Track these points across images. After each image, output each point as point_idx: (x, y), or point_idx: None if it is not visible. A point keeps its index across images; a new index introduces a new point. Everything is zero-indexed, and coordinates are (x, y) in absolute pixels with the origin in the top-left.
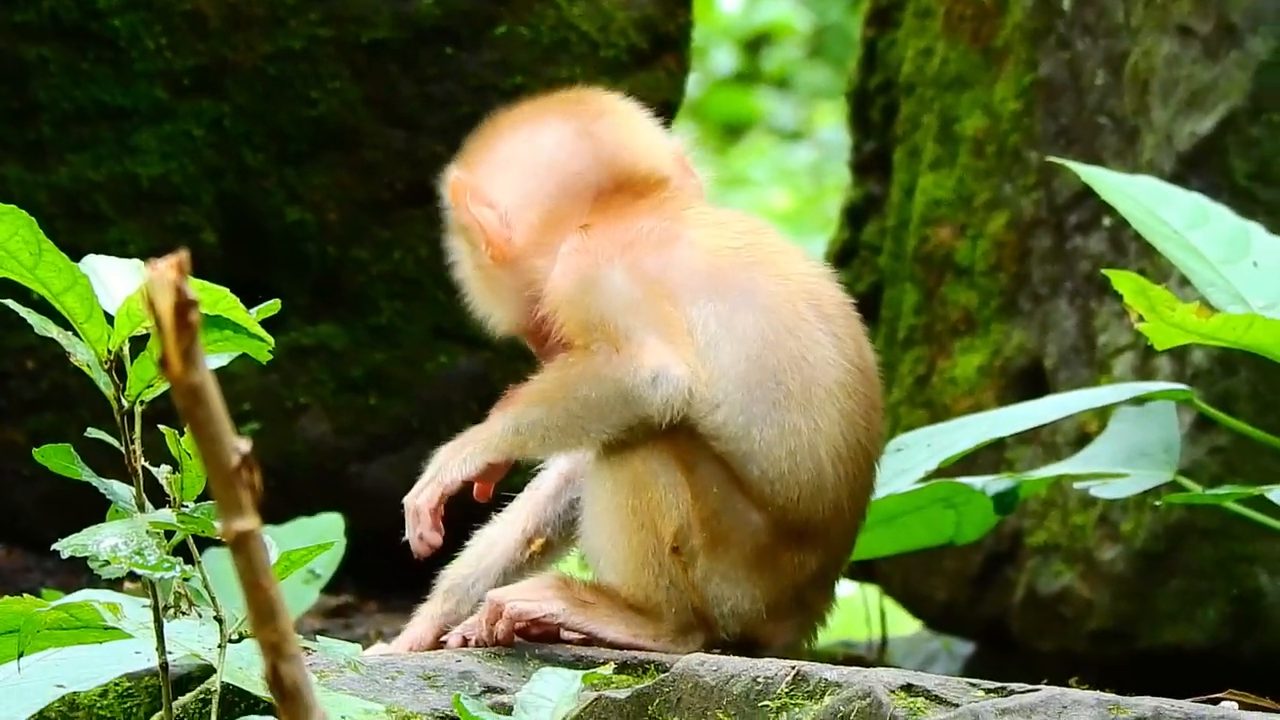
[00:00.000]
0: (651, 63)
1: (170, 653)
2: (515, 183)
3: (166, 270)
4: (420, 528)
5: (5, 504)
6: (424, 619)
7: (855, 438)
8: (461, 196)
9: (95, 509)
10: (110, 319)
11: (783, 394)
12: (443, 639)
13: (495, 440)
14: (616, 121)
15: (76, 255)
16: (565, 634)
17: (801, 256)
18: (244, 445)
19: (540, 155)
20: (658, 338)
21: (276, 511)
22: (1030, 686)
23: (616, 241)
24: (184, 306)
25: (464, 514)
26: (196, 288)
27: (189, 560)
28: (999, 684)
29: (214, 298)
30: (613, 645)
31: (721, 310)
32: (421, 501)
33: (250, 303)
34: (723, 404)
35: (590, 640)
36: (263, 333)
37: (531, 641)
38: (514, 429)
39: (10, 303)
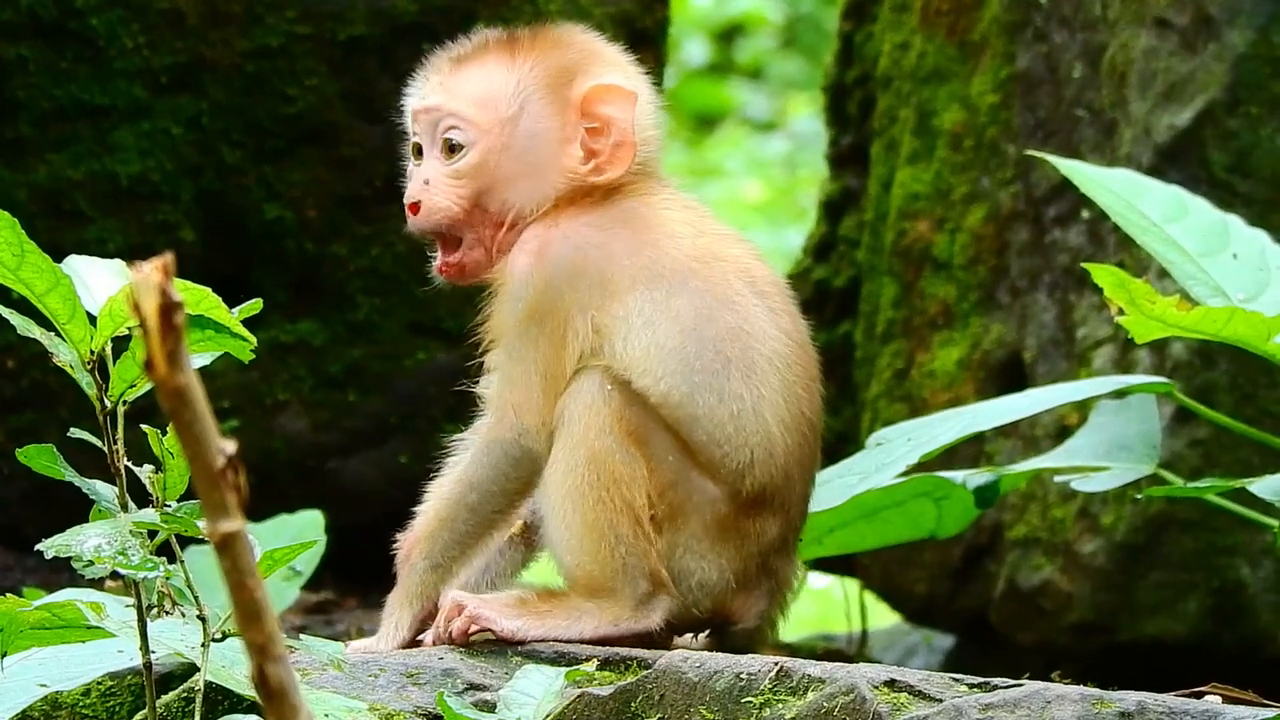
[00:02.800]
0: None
1: (153, 652)
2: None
3: (152, 272)
4: None
5: None
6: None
7: (799, 408)
8: (628, 107)
9: (76, 506)
10: (93, 319)
11: (722, 363)
12: (420, 637)
13: (418, 589)
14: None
15: (56, 253)
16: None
17: (735, 239)
18: (229, 446)
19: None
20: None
21: (255, 507)
22: (1013, 681)
23: (574, 233)
24: (169, 308)
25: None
26: (179, 288)
27: (172, 559)
28: (982, 679)
29: (196, 297)
30: (579, 643)
31: (658, 295)
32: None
33: (230, 300)
34: (664, 376)
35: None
36: (245, 332)
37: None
38: (430, 566)
39: None
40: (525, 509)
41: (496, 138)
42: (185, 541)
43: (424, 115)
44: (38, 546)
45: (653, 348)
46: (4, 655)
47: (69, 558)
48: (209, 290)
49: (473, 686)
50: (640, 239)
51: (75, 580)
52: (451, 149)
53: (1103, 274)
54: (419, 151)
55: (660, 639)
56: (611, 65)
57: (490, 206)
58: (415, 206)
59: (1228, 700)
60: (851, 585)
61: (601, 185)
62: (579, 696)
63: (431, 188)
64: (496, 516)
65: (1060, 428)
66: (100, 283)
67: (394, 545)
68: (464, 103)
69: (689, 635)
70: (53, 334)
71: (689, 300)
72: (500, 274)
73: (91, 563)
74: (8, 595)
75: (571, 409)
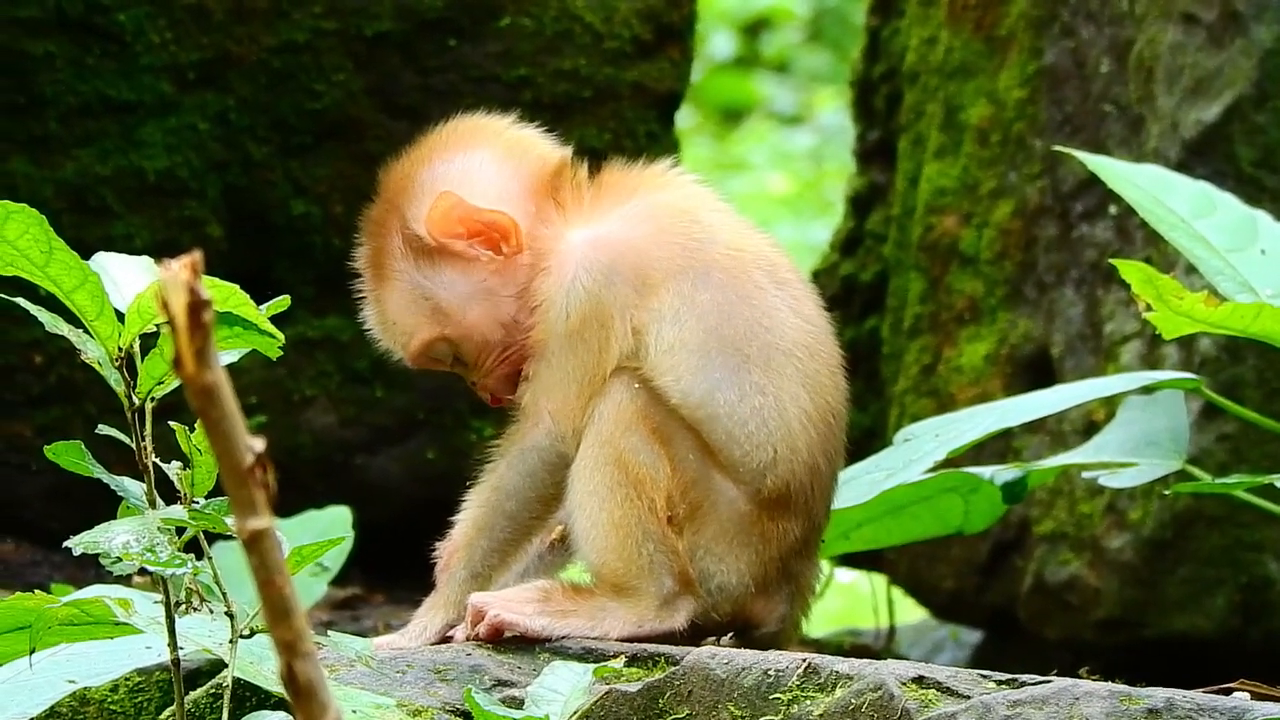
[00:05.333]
0: (655, 53)
1: (181, 648)
2: (489, 188)
3: (180, 270)
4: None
5: (12, 498)
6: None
7: (823, 398)
8: (456, 206)
9: (102, 502)
10: (121, 316)
11: (741, 359)
12: (450, 635)
13: (455, 598)
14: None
15: (83, 249)
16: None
17: (751, 229)
18: (258, 444)
19: (489, 162)
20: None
21: (282, 503)
22: (1041, 678)
23: (604, 235)
24: (197, 306)
25: None
26: (207, 284)
27: (199, 555)
28: (1010, 676)
29: (224, 294)
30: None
31: (685, 288)
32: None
33: (256, 295)
34: (684, 374)
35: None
36: (273, 329)
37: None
38: (470, 575)
39: (22, 301)
40: (563, 513)
41: (452, 325)
42: (212, 536)
43: (418, 366)
44: (66, 543)
45: (677, 345)
46: (32, 651)
47: (96, 554)
48: (236, 287)
49: (501, 683)
50: (667, 230)
51: (102, 576)
52: (454, 360)
53: (1130, 270)
54: (448, 370)
55: (684, 641)
56: (416, 189)
57: (508, 346)
58: (496, 401)
59: (1256, 697)
60: (879, 580)
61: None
62: (607, 693)
63: (484, 388)
64: (534, 523)
65: (1088, 423)
66: (128, 279)
67: (422, 542)
68: (413, 336)
69: (712, 639)
70: (81, 331)
71: (712, 295)
72: (542, 289)
73: (120, 559)
74: (35, 591)
75: (600, 407)
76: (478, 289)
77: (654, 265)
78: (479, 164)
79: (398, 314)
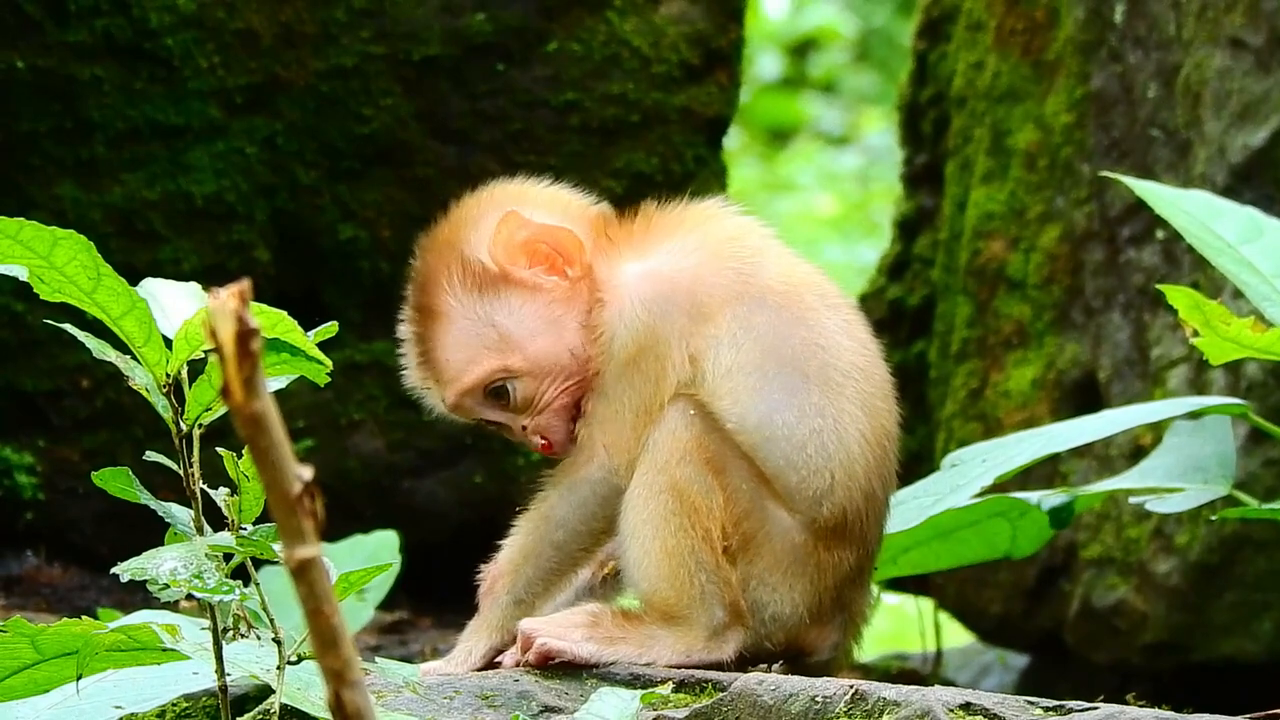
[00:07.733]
0: (703, 77)
1: (228, 674)
2: (550, 211)
3: (228, 299)
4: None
5: (61, 522)
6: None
7: (878, 421)
8: (522, 226)
9: (150, 526)
10: (168, 342)
11: (800, 378)
12: (498, 660)
13: (498, 622)
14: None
15: (130, 273)
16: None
17: (797, 258)
18: (306, 472)
19: (541, 198)
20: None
21: (329, 527)
22: (1088, 704)
23: (657, 266)
24: (246, 335)
25: None
26: (254, 311)
27: (246, 581)
28: (1057, 702)
29: (272, 320)
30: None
31: (742, 312)
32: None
33: (303, 320)
34: (742, 396)
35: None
36: (321, 355)
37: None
38: (513, 601)
39: (69, 327)
40: (612, 547)
41: (518, 353)
42: (259, 561)
43: (459, 410)
44: (114, 570)
45: (735, 368)
46: (80, 677)
47: (144, 580)
48: (284, 314)
49: (548, 709)
50: (721, 258)
51: (150, 601)
52: (510, 401)
53: (1177, 295)
54: (494, 419)
55: (734, 667)
56: (475, 218)
57: (571, 375)
58: (548, 448)
59: None
60: (925, 604)
61: (613, 244)
62: (654, 719)
63: (539, 429)
64: (581, 554)
65: (1135, 448)
66: (176, 306)
67: (470, 566)
68: (468, 370)
69: (763, 666)
70: (128, 357)
71: (768, 317)
72: (599, 323)
73: (167, 586)
74: (83, 617)
75: (654, 436)
76: (544, 316)
77: (710, 292)
78: (532, 202)
79: (455, 349)
